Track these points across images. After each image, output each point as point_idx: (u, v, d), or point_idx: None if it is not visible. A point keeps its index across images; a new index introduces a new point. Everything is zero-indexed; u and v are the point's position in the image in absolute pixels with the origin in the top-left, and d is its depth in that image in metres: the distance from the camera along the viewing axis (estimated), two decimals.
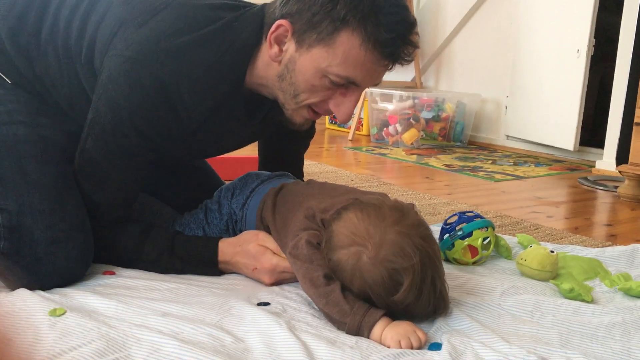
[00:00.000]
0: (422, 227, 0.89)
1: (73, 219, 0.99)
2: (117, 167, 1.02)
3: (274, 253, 1.04)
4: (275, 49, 1.00)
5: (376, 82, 1.03)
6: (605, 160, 2.74)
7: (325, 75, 0.97)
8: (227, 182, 1.25)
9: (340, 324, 0.87)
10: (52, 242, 0.96)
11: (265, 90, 1.07)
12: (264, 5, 1.06)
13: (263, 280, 1.04)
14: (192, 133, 1.05)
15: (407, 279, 0.84)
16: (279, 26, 0.98)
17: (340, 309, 0.86)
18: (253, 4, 1.10)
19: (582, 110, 2.95)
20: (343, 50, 0.95)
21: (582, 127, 2.99)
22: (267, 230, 1.10)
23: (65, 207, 0.99)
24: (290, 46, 0.99)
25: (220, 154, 1.25)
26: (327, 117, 4.03)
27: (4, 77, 1.07)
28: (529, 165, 2.88)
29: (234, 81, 1.03)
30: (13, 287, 0.97)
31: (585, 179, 2.52)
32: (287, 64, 1.00)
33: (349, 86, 1.00)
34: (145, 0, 1.02)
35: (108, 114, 0.98)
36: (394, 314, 0.87)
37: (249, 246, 1.05)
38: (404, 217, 0.89)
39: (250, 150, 1.50)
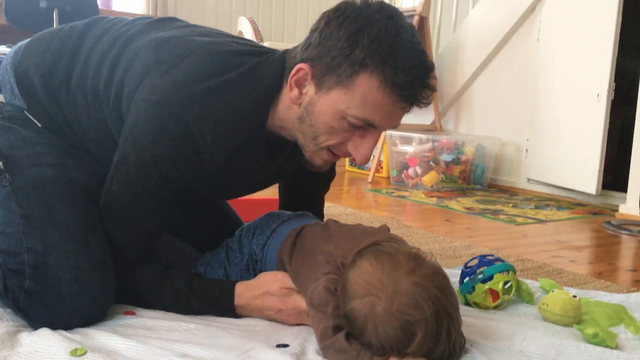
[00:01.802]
0: (438, 277, 0.88)
1: (97, 259, 1.01)
2: (141, 208, 1.04)
3: (298, 294, 1.04)
4: (296, 91, 1.02)
5: (394, 125, 1.04)
6: (629, 204, 2.71)
7: (344, 117, 0.99)
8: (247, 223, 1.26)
9: None
10: (75, 282, 0.97)
11: (286, 132, 1.09)
12: (286, 51, 1.09)
13: (288, 322, 1.04)
14: (214, 174, 1.07)
15: (421, 332, 0.82)
16: (299, 69, 1.01)
17: (348, 355, 0.86)
18: (275, 50, 1.13)
19: (604, 154, 2.94)
20: (361, 93, 0.96)
21: (605, 171, 2.97)
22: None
23: (90, 247, 1.01)
24: (310, 89, 1.01)
25: (241, 195, 1.26)
26: (346, 159, 4.06)
27: (34, 120, 1.11)
28: (551, 209, 2.85)
29: (256, 123, 1.06)
30: (35, 326, 0.98)
31: (609, 223, 2.48)
32: (307, 106, 1.02)
33: (367, 128, 1.01)
34: (172, 47, 1.05)
35: (133, 156, 1.00)
36: None
37: (271, 289, 1.05)
38: (420, 266, 0.88)
39: (271, 192, 1.52)
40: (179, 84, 0.99)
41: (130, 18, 1.19)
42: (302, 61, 1.01)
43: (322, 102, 1.00)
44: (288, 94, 1.04)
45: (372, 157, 3.76)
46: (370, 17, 0.96)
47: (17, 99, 1.12)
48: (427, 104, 1.02)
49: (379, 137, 1.04)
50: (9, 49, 3.02)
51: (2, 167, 1.04)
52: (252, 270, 1.17)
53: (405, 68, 0.95)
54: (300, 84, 1.02)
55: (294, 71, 1.01)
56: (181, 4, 4.59)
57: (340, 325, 0.89)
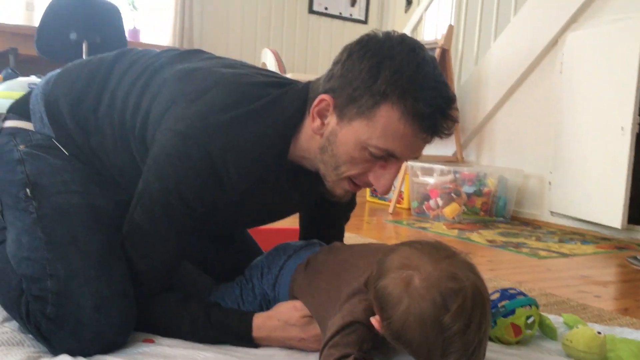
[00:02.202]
0: (472, 265, 0.89)
1: (118, 286, 1.02)
2: (163, 236, 1.05)
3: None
4: (318, 122, 1.03)
5: (415, 156, 1.04)
6: None
7: (366, 147, 1.00)
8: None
9: None
10: (96, 309, 0.98)
11: (308, 162, 1.10)
12: (309, 82, 1.11)
13: (309, 348, 1.04)
14: (235, 204, 1.08)
15: (459, 300, 0.82)
16: (321, 100, 1.02)
17: None
18: (298, 81, 1.15)
19: (629, 188, 2.89)
20: (383, 123, 0.97)
21: (630, 205, 2.92)
22: None
23: (112, 274, 1.02)
24: (332, 120, 1.02)
25: (261, 225, 1.27)
26: (367, 190, 4.06)
27: (62, 149, 1.14)
28: (575, 243, 2.81)
29: (278, 153, 1.07)
30: (56, 352, 0.99)
31: (634, 258, 2.43)
32: (329, 136, 1.03)
33: (389, 159, 1.02)
34: (197, 78, 1.08)
35: (156, 184, 1.02)
36: None
37: (291, 319, 1.05)
38: (455, 254, 0.89)
39: (291, 222, 1.52)
40: (204, 114, 1.01)
41: (158, 50, 1.22)
42: (324, 92, 1.02)
43: (343, 132, 1.01)
44: (310, 124, 1.05)
45: (393, 189, 3.76)
46: (392, 49, 0.97)
47: (46, 128, 1.15)
48: (448, 135, 1.02)
49: (400, 167, 1.04)
50: (38, 79, 3.11)
51: (29, 194, 1.07)
52: (265, 310, 1.14)
53: (427, 99, 0.95)
54: (322, 115, 1.03)
55: (316, 102, 1.02)
56: (207, 37, 4.69)
57: (346, 354, 0.88)
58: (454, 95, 1.01)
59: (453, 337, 0.82)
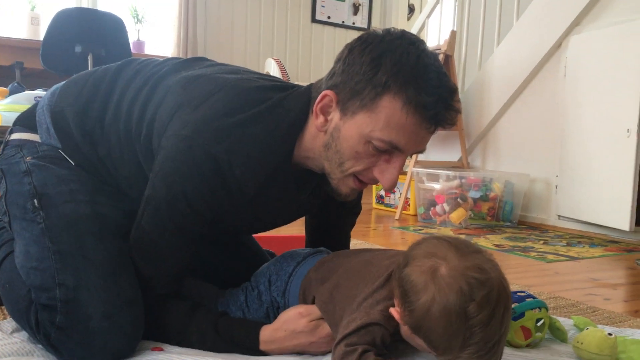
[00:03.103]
0: (496, 262, 0.89)
1: (126, 294, 1.02)
2: (170, 243, 1.05)
3: (324, 321, 1.04)
4: (321, 119, 1.04)
5: (419, 149, 1.04)
6: None
7: (369, 140, 0.99)
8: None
9: None
10: (105, 317, 0.98)
11: (312, 162, 1.10)
12: (311, 84, 1.12)
13: (320, 350, 1.05)
14: (242, 208, 1.08)
15: (485, 290, 0.83)
16: (324, 96, 1.02)
17: None
18: (300, 85, 1.16)
19: (637, 190, 2.88)
20: (385, 115, 0.97)
21: (638, 207, 2.91)
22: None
23: (120, 282, 1.02)
24: (335, 115, 1.03)
25: (268, 229, 1.27)
26: (374, 197, 4.05)
27: (68, 159, 1.14)
28: (583, 246, 2.80)
29: (284, 155, 1.07)
30: None
31: None
32: (333, 132, 1.03)
33: (393, 152, 1.02)
34: (201, 84, 1.09)
35: (163, 190, 1.02)
36: None
37: (297, 327, 1.04)
38: (481, 250, 0.90)
39: (298, 230, 1.52)
40: (208, 119, 1.02)
41: (161, 59, 1.23)
42: (326, 89, 1.03)
43: (347, 127, 1.01)
44: (314, 123, 1.05)
45: (399, 195, 3.76)
46: (392, 42, 0.98)
47: (52, 139, 1.16)
48: (451, 126, 1.02)
49: (404, 162, 1.03)
50: (44, 92, 3.13)
51: (36, 204, 1.07)
52: (272, 317, 1.14)
53: (428, 89, 0.96)
54: (325, 111, 1.04)
55: (319, 98, 1.03)
56: (210, 47, 4.72)
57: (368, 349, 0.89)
58: (456, 86, 1.01)
59: (475, 328, 0.82)
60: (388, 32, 1.01)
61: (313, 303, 1.09)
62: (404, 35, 1.00)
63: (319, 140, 1.06)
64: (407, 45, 0.98)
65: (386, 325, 0.93)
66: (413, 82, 0.95)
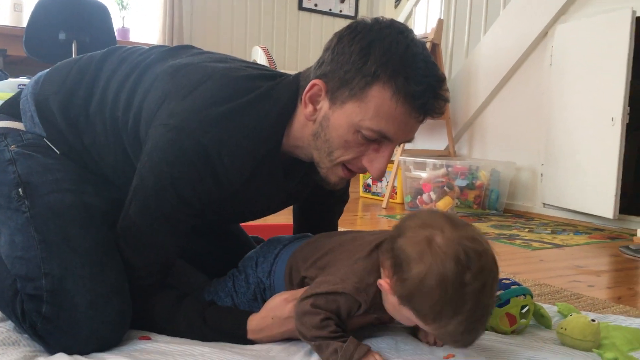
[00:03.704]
0: (486, 238, 0.92)
1: (113, 284, 1.01)
2: (158, 232, 1.05)
3: None
4: (310, 108, 1.04)
5: (408, 138, 1.04)
6: None
7: (358, 130, 1.00)
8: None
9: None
10: (91, 306, 0.98)
11: (301, 151, 1.10)
12: (299, 73, 1.11)
13: None
14: (230, 197, 1.08)
15: (482, 260, 0.86)
16: (313, 85, 1.02)
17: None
18: (288, 73, 1.15)
19: (620, 178, 2.91)
20: (375, 104, 0.97)
21: (622, 195, 2.94)
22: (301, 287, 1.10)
23: (106, 272, 1.02)
24: (324, 104, 1.02)
25: (256, 218, 1.27)
26: (361, 185, 4.06)
27: (53, 147, 1.13)
28: (568, 234, 2.83)
29: (272, 144, 1.07)
30: (52, 351, 0.98)
31: (627, 247, 2.45)
32: (322, 121, 1.03)
33: (382, 141, 1.02)
34: (189, 73, 1.08)
35: (151, 179, 1.02)
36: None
37: (284, 313, 1.04)
38: (471, 225, 0.93)
39: (286, 219, 1.52)
40: (197, 108, 1.01)
41: (147, 47, 1.22)
42: (315, 78, 1.02)
43: (336, 116, 1.01)
44: (302, 112, 1.05)
45: (386, 183, 3.77)
46: (381, 32, 0.98)
47: (37, 127, 1.15)
48: (440, 115, 1.02)
49: (393, 151, 1.04)
50: (28, 80, 3.09)
51: (21, 193, 1.06)
52: (260, 300, 1.15)
53: (417, 78, 0.96)
54: (314, 100, 1.03)
55: (308, 87, 1.03)
56: (196, 35, 4.68)
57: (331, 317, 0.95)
58: (444, 76, 1.02)
59: (469, 295, 0.85)
60: (377, 21, 1.01)
61: (299, 283, 1.10)
62: (392, 24, 1.00)
63: (308, 129, 1.06)
64: (396, 35, 0.98)
65: (356, 298, 0.96)
66: (402, 72, 0.96)
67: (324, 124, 1.02)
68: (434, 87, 0.98)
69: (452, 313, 0.86)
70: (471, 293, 0.85)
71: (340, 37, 1.01)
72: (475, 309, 0.86)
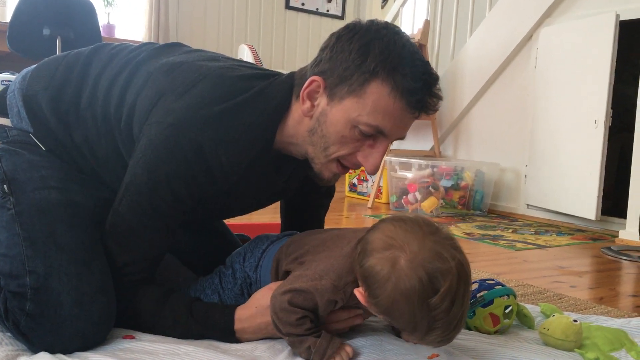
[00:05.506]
0: (454, 241, 0.92)
1: (98, 283, 1.01)
2: (148, 229, 1.05)
3: None
4: (308, 104, 1.05)
5: (402, 134, 1.07)
6: (629, 230, 2.71)
7: (356, 125, 1.02)
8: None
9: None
10: (76, 305, 0.97)
11: (294, 148, 1.11)
12: (293, 72, 1.13)
13: None
14: (222, 193, 1.09)
15: (446, 282, 0.85)
16: (311, 82, 1.04)
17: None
18: (281, 73, 1.16)
19: (603, 180, 2.95)
20: (373, 100, 1.00)
21: (604, 197, 2.98)
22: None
23: (91, 270, 1.01)
24: (322, 100, 1.04)
25: (244, 213, 1.28)
26: (347, 185, 4.07)
27: (39, 144, 1.12)
28: (551, 235, 2.86)
29: (266, 141, 1.09)
30: (35, 350, 0.98)
31: (609, 248, 2.48)
32: (319, 117, 1.05)
33: (377, 137, 1.04)
34: (184, 72, 1.08)
35: (144, 176, 1.02)
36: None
37: (267, 302, 1.04)
38: (438, 230, 0.93)
39: (270, 217, 1.52)
40: (194, 107, 1.02)
41: (136, 44, 1.21)
42: (314, 75, 1.04)
43: (334, 112, 1.03)
44: (298, 109, 1.07)
45: (372, 183, 3.78)
46: (379, 32, 1.01)
47: (24, 123, 1.14)
48: (434, 112, 1.05)
49: (387, 147, 1.06)
50: (12, 76, 3.05)
51: (6, 190, 1.05)
52: (246, 294, 1.16)
53: (414, 75, 0.99)
54: (312, 96, 1.05)
55: (306, 84, 1.04)
56: (183, 32, 4.66)
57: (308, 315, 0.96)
58: (438, 75, 1.05)
59: (439, 315, 0.86)
60: (373, 23, 1.04)
61: (283, 277, 1.11)
62: (388, 26, 1.04)
63: (304, 125, 1.07)
64: (393, 35, 1.02)
65: (333, 297, 0.97)
66: (400, 69, 0.99)
67: (322, 120, 1.04)
68: (430, 85, 1.02)
69: (426, 329, 0.88)
70: (441, 312, 0.86)
71: (338, 37, 1.04)
72: (449, 323, 0.87)
